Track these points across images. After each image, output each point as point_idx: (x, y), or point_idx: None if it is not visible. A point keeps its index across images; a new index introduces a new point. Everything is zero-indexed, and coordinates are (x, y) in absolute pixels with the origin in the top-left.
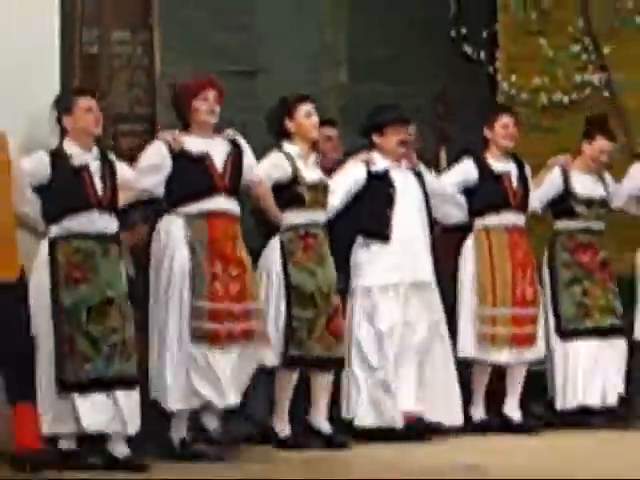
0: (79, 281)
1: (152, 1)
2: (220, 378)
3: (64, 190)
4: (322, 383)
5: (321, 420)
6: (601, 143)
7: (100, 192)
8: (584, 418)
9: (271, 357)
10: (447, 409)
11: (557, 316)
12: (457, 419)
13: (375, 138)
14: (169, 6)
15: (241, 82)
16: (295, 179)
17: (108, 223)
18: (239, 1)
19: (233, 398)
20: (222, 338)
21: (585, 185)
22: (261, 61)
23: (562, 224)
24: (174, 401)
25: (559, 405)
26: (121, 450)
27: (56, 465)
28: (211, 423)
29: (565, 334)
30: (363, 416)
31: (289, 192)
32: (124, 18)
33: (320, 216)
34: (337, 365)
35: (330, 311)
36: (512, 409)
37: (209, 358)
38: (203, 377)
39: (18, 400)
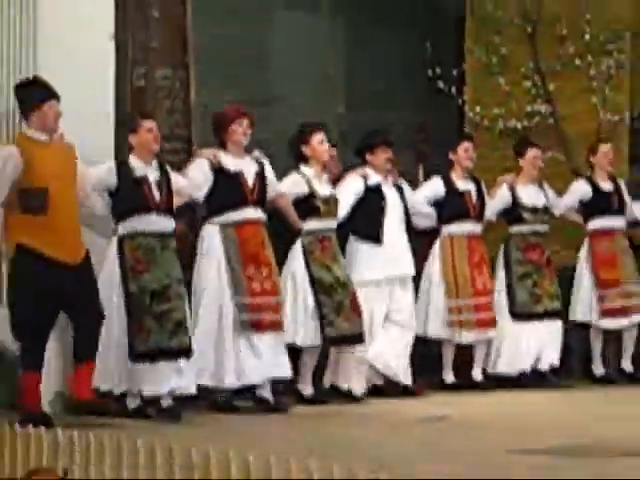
0: (142, 271)
1: (188, 45)
2: (263, 359)
3: (128, 196)
4: (351, 356)
5: (346, 382)
6: (531, 152)
7: (157, 198)
8: (530, 379)
9: (301, 338)
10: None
11: (512, 302)
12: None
13: (367, 156)
14: (202, 49)
15: (259, 109)
16: (312, 194)
17: (166, 223)
18: (258, 46)
19: (278, 372)
20: (264, 326)
21: (529, 195)
22: (275, 93)
23: (514, 228)
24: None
25: (515, 369)
26: (168, 403)
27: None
28: (264, 392)
29: (519, 316)
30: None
31: (307, 205)
32: (166, 59)
33: (332, 223)
34: (360, 340)
35: (350, 296)
36: (478, 374)
37: (254, 342)
38: (248, 358)
39: (85, 361)
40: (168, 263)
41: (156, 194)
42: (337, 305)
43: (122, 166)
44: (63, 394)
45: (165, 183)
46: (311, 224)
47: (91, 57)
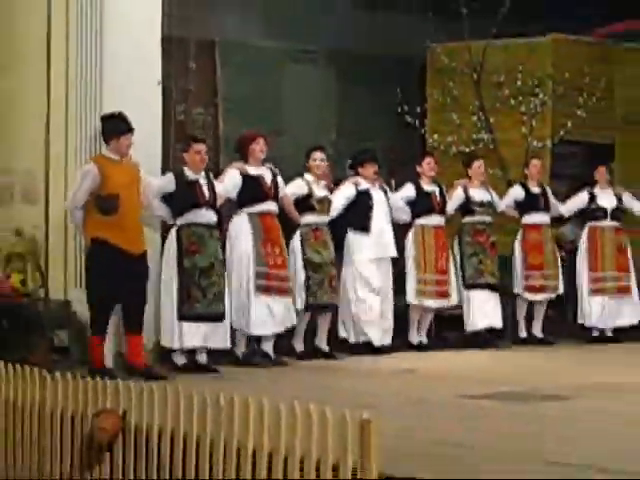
0: (194, 252)
1: (217, 89)
2: (276, 315)
3: (184, 196)
4: (325, 319)
5: (322, 342)
6: (476, 163)
7: (207, 196)
8: (479, 340)
9: (299, 304)
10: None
11: (463, 276)
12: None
13: (359, 169)
14: (227, 92)
15: (271, 138)
16: (310, 195)
17: (212, 216)
18: (271, 90)
19: (288, 322)
20: (280, 290)
21: (478, 194)
22: (285, 125)
23: (467, 219)
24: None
25: (468, 328)
26: (204, 360)
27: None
28: (266, 346)
29: (468, 286)
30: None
31: (305, 203)
32: (200, 100)
33: (324, 218)
34: (333, 309)
35: (331, 274)
36: (422, 336)
37: (269, 303)
38: (266, 315)
39: (134, 331)
40: (213, 247)
41: (205, 194)
42: (320, 281)
43: (178, 175)
44: (121, 354)
45: (211, 186)
46: (308, 218)
47: (145, 98)
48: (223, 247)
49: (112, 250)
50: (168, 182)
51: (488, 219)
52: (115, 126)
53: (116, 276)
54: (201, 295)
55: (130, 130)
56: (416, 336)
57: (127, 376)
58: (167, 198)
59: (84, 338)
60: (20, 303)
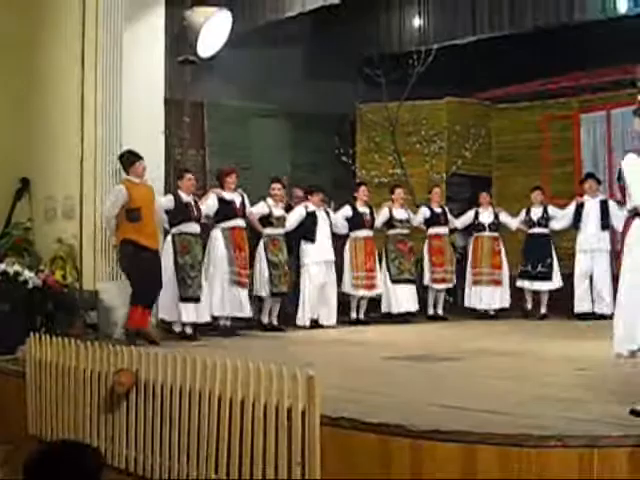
0: (185, 253)
1: (205, 137)
2: (242, 302)
3: (179, 212)
4: (277, 303)
5: (274, 319)
6: (397, 190)
7: (195, 214)
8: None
9: (263, 293)
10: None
11: (389, 272)
12: (334, 320)
13: (309, 196)
14: (212, 139)
15: (243, 172)
16: (270, 214)
17: (197, 228)
18: (243, 137)
19: (248, 311)
20: (243, 284)
21: (399, 213)
22: (253, 162)
23: (390, 232)
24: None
25: (392, 311)
26: (190, 331)
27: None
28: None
29: (393, 282)
30: (300, 318)
31: (267, 220)
32: (192, 145)
33: (281, 231)
34: (285, 295)
35: (285, 271)
36: (361, 314)
37: (239, 293)
38: (233, 301)
39: (147, 308)
40: (197, 251)
41: (194, 212)
42: (278, 276)
43: (176, 196)
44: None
45: (197, 206)
46: (268, 231)
47: (152, 144)
48: (203, 251)
49: (138, 246)
50: (168, 201)
51: (406, 231)
52: (129, 157)
53: (142, 263)
54: (193, 282)
55: (140, 157)
56: (355, 314)
57: (141, 342)
58: (167, 212)
59: (109, 317)
60: (62, 292)
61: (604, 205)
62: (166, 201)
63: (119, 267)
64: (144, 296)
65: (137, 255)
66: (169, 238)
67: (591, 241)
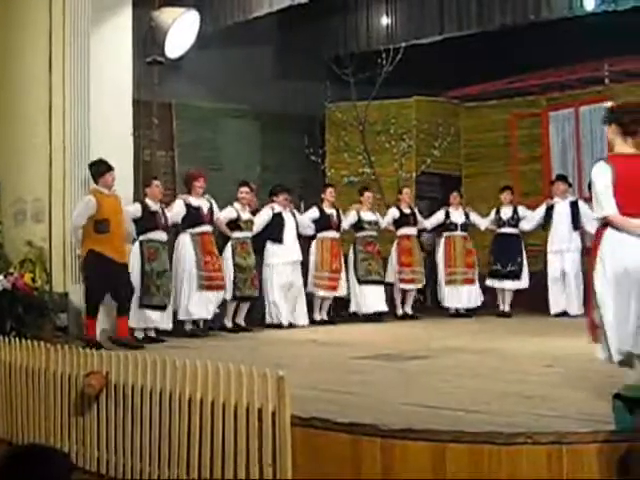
0: (152, 260)
1: (174, 138)
2: (213, 304)
3: (147, 221)
4: (245, 306)
5: (241, 320)
6: (367, 193)
7: (162, 222)
8: (371, 317)
9: (228, 295)
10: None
11: (356, 273)
12: (305, 320)
13: (274, 198)
14: (180, 140)
15: (212, 173)
16: (238, 218)
17: (164, 236)
18: (213, 138)
19: (211, 313)
20: (212, 287)
21: (367, 215)
22: (223, 164)
23: (359, 234)
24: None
25: (361, 311)
26: (157, 336)
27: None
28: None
29: (361, 282)
30: (268, 318)
31: (235, 224)
32: (162, 146)
33: (248, 234)
34: (255, 299)
35: (253, 275)
36: (324, 315)
37: (209, 295)
38: (202, 303)
39: (123, 315)
40: (164, 257)
41: (161, 220)
42: (244, 280)
43: (143, 205)
44: (106, 331)
45: (164, 214)
46: (236, 234)
47: (121, 145)
48: (170, 258)
49: (104, 259)
50: (136, 210)
51: (374, 233)
52: (100, 167)
53: (106, 276)
54: (156, 290)
55: (111, 168)
56: (318, 315)
57: (112, 346)
58: (134, 220)
59: (79, 320)
60: (31, 295)
61: (574, 206)
62: (134, 210)
63: (81, 276)
64: (93, 308)
65: (103, 267)
66: (137, 245)
67: (563, 242)
